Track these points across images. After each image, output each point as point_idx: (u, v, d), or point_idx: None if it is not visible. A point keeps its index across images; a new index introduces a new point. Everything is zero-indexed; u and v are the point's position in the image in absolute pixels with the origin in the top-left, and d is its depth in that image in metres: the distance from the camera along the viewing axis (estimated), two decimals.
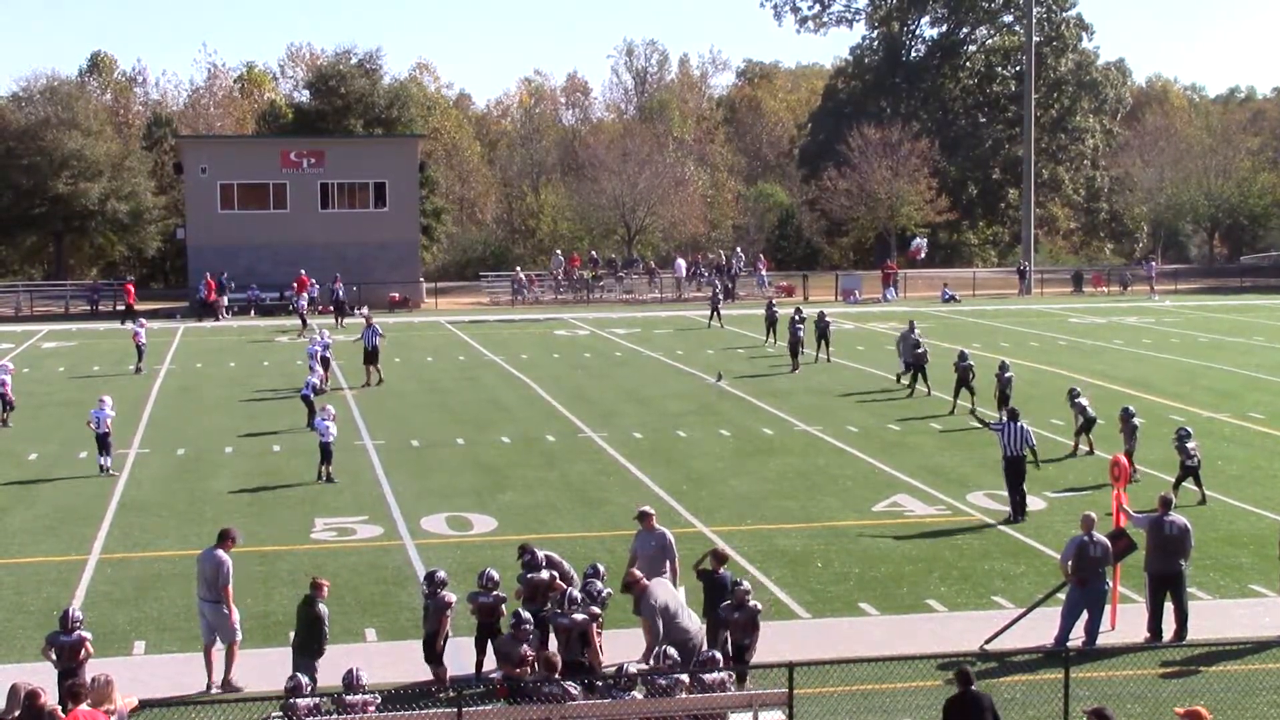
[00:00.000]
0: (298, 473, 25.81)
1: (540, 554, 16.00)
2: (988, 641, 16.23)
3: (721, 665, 13.30)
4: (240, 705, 12.94)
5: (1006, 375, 30.82)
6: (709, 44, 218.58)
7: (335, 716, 12.10)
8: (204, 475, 25.93)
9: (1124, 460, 18.19)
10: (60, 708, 11.74)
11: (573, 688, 12.60)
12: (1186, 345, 45.54)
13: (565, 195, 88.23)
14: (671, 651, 13.38)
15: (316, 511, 22.95)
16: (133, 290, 58.04)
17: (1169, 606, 16.68)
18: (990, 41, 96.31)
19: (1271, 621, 17.30)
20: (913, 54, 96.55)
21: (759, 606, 15.04)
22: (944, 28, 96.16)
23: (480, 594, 15.34)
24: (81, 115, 69.43)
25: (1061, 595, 16.54)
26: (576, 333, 50.87)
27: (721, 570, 15.78)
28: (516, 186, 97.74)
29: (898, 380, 36.04)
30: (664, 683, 12.58)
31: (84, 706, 11.51)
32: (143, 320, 44.04)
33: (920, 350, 34.71)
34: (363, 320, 39.54)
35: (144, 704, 12.54)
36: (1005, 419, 23.05)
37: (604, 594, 15.17)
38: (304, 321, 51.35)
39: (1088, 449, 26.99)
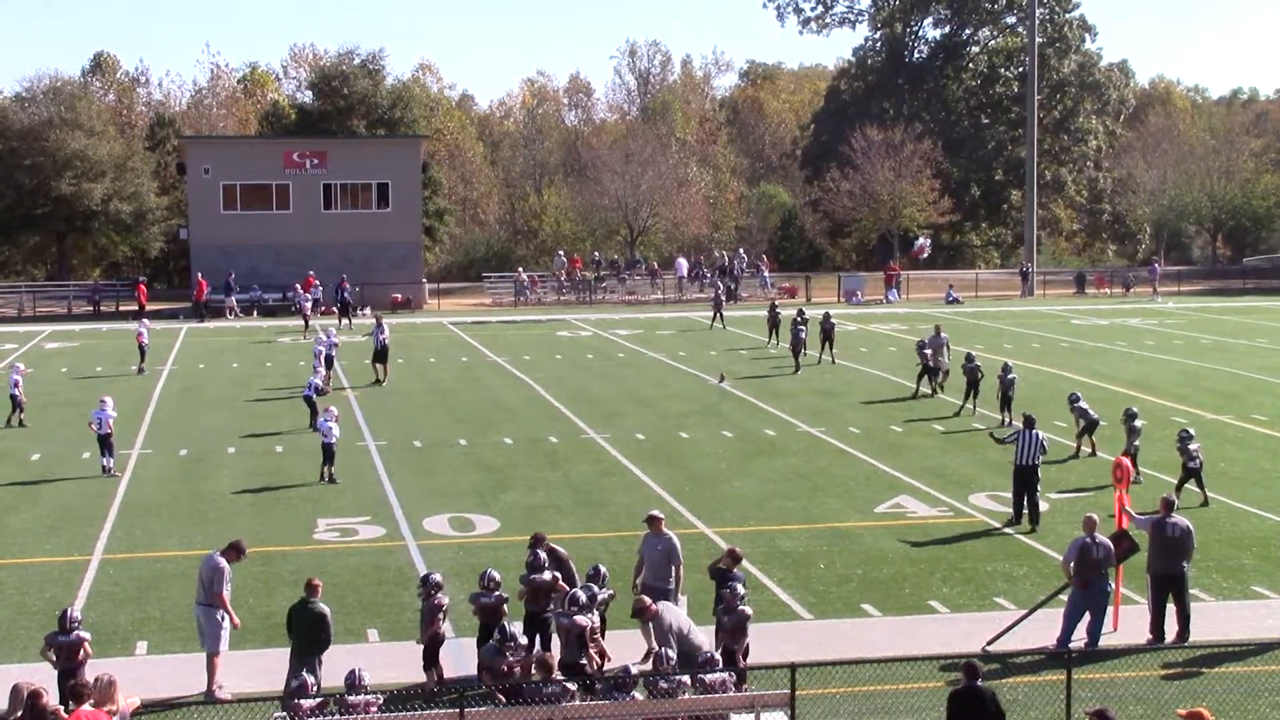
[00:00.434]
0: (300, 473, 25.82)
1: (543, 549, 16.06)
2: (990, 643, 16.23)
3: (722, 666, 13.29)
4: (242, 706, 12.94)
5: (1010, 377, 30.78)
6: (712, 45, 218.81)
7: (338, 717, 12.10)
8: (206, 476, 25.94)
9: (1126, 462, 18.19)
10: (62, 708, 11.76)
11: (573, 686, 12.60)
12: (1189, 347, 45.53)
13: (568, 196, 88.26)
14: (671, 653, 13.37)
15: (319, 512, 22.96)
16: (145, 290, 58.15)
17: (1171, 608, 16.68)
18: (993, 43, 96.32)
19: (1274, 623, 17.30)
20: (915, 55, 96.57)
21: (748, 612, 14.85)
22: (947, 29, 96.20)
23: (482, 594, 15.35)
24: (84, 116, 69.49)
25: (1064, 597, 16.54)
26: (579, 334, 50.88)
27: (736, 570, 15.74)
28: (519, 187, 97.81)
29: (938, 390, 34.44)
30: (666, 685, 12.57)
31: (86, 707, 11.52)
32: (145, 320, 44.07)
33: (945, 359, 34.03)
34: (373, 320, 39.82)
35: (146, 705, 12.54)
36: (1020, 426, 22.72)
37: (602, 598, 15.14)
38: (306, 322, 51.41)
39: (1090, 451, 26.98)
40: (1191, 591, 17.13)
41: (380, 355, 37.43)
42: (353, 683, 12.39)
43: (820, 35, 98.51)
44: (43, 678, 12.95)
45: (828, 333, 41.13)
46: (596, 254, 73.47)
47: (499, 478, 25.60)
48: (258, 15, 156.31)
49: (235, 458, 27.64)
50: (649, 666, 13.81)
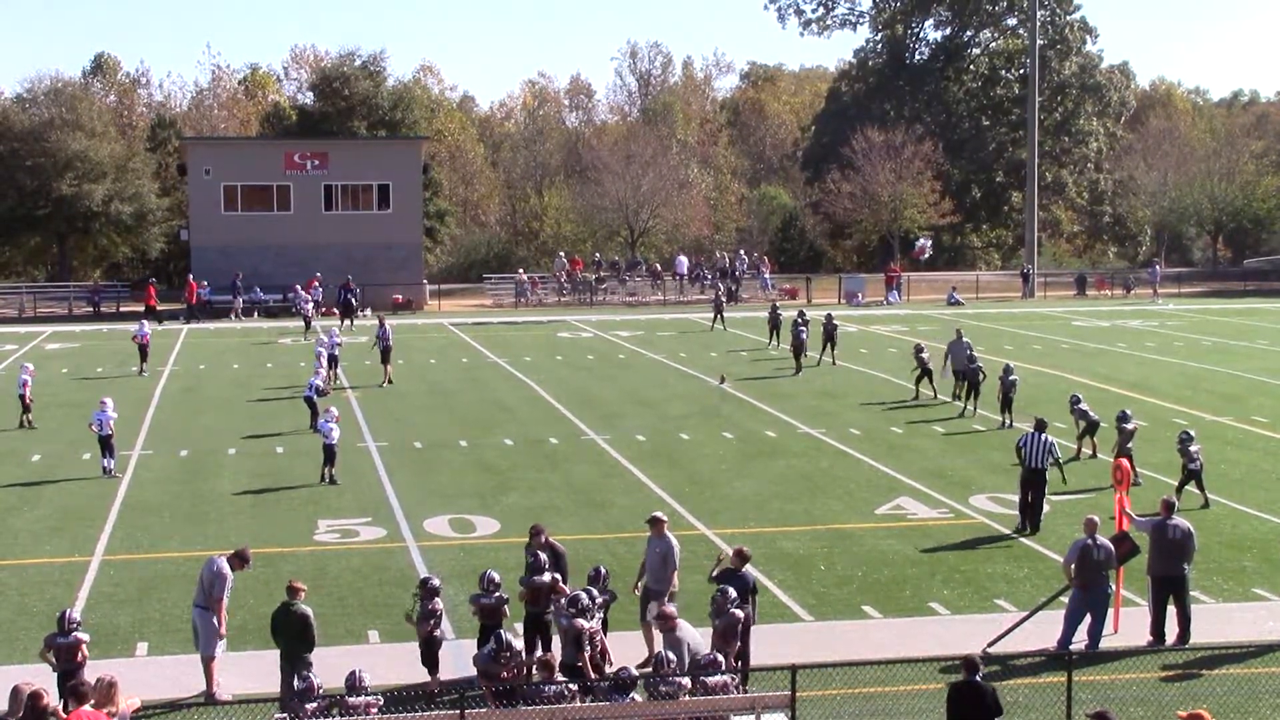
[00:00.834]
0: (301, 474, 25.82)
1: (544, 540, 16.18)
2: (991, 644, 16.22)
3: (723, 667, 13.26)
4: (242, 706, 12.94)
5: (1011, 379, 30.75)
6: (713, 46, 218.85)
7: (339, 718, 12.09)
8: (207, 476, 25.95)
9: (1126, 464, 18.19)
10: (62, 708, 11.75)
11: (575, 687, 12.59)
12: (1190, 349, 45.52)
13: (569, 197, 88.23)
14: (671, 655, 13.34)
15: (319, 513, 22.96)
16: (154, 291, 58.14)
17: (1172, 610, 16.67)
18: (994, 44, 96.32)
19: (1275, 625, 17.30)
20: (916, 57, 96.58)
21: (739, 615, 14.66)
22: (948, 31, 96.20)
23: (482, 595, 15.36)
24: (85, 117, 69.48)
25: (1064, 599, 16.53)
26: (579, 335, 50.89)
27: (745, 570, 15.70)
28: (520, 189, 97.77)
29: (954, 397, 33.36)
30: (666, 689, 12.54)
31: (86, 708, 11.52)
32: (146, 321, 44.07)
33: (975, 365, 32.54)
34: (375, 322, 39.92)
35: (146, 705, 12.53)
36: (1031, 429, 22.53)
37: (600, 601, 15.11)
38: (307, 323, 51.42)
39: (1091, 452, 26.98)
40: (1192, 593, 17.13)
41: (383, 356, 37.86)
42: (353, 684, 12.38)
43: (821, 37, 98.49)
44: (43, 679, 12.95)
45: (830, 334, 41.12)
46: (597, 255, 73.47)
47: (499, 479, 25.60)
48: (259, 16, 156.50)
49: (236, 459, 27.65)
50: (649, 670, 13.79)
